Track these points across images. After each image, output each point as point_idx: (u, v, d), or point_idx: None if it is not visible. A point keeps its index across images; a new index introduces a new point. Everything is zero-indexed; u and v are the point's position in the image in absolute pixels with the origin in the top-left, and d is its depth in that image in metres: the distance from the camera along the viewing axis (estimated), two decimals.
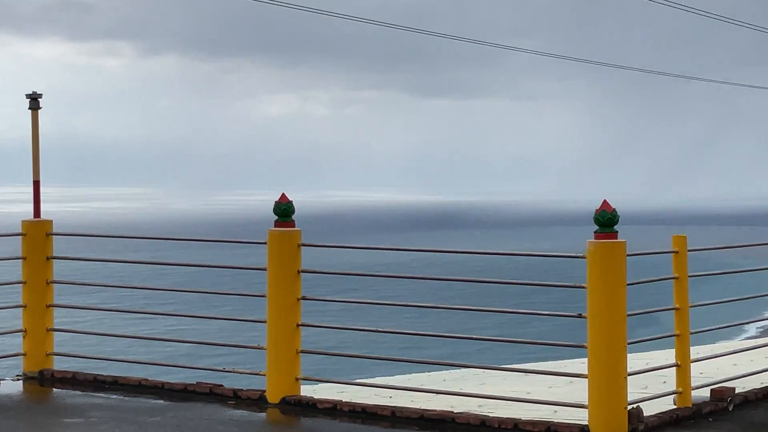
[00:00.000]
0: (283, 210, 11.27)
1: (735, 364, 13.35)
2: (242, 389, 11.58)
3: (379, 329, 11.65)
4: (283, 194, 11.34)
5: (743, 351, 12.80)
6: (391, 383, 12.43)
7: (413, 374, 15.11)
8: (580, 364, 12.65)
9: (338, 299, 12.00)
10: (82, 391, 11.97)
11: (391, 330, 11.74)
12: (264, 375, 11.28)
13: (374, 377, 14.66)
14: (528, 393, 12.09)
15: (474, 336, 11.13)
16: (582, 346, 9.78)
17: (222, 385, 11.72)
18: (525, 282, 10.80)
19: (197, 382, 11.90)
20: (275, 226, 11.27)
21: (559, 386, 12.80)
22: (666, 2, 53.72)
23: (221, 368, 12.30)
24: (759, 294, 12.58)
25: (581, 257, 9.74)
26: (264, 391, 11.31)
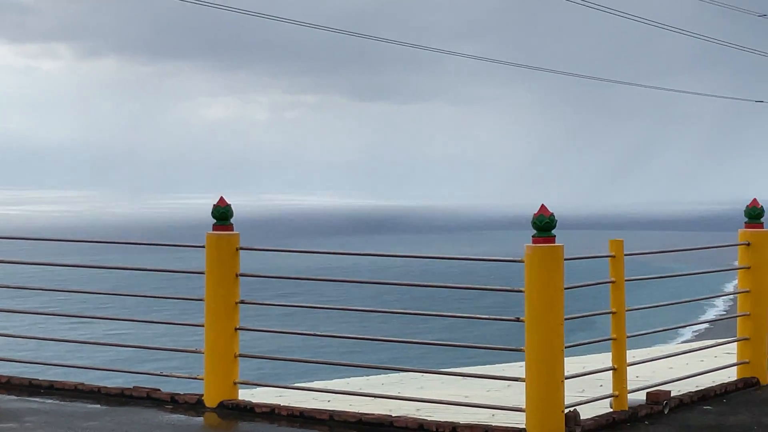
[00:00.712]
0: (221, 213, 11.21)
1: (671, 368, 13.45)
2: (180, 393, 11.49)
3: (317, 333, 11.61)
4: (221, 197, 11.28)
5: (679, 354, 12.89)
6: (329, 387, 12.38)
7: (352, 378, 15.07)
8: (519, 368, 12.69)
9: (277, 303, 11.95)
10: (17, 396, 11.82)
11: (331, 334, 11.73)
12: (202, 379, 11.21)
13: (313, 381, 14.62)
14: (466, 397, 12.10)
15: (413, 340, 11.13)
16: (520, 350, 9.80)
17: (159, 390, 11.62)
18: (463, 286, 10.81)
19: (134, 387, 11.80)
20: (213, 230, 11.21)
21: (498, 390, 12.82)
22: (605, 9, 54.16)
23: (159, 372, 12.20)
24: (695, 298, 12.69)
25: (519, 261, 9.77)
26: (202, 395, 11.24)
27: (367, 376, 15.59)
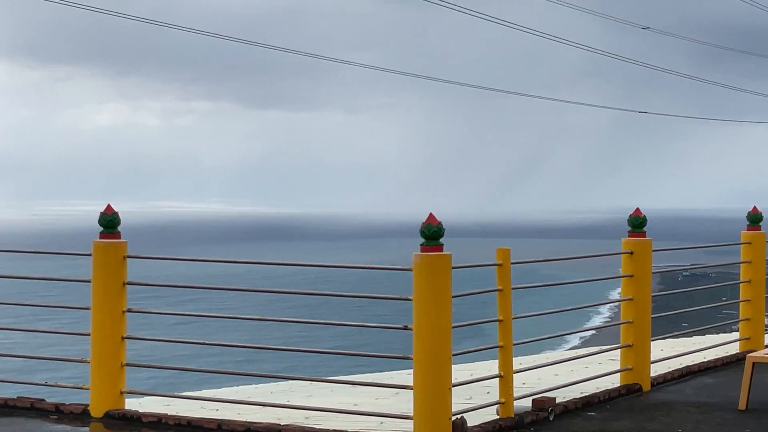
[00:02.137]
0: (108, 221, 11.07)
1: (556, 375, 13.61)
2: (65, 404, 11.31)
3: (207, 342, 11.53)
4: (108, 205, 11.14)
5: (564, 361, 13.05)
6: (218, 396, 12.30)
7: (241, 386, 14.98)
8: (407, 376, 12.73)
9: (165, 312, 11.85)
10: None
11: (220, 343, 11.63)
12: (87, 389, 11.05)
13: (202, 390, 14.49)
14: (355, 405, 12.10)
15: (301, 348, 11.06)
16: (408, 358, 9.83)
17: (44, 400, 11.43)
18: (353, 294, 10.81)
19: (18, 397, 11.59)
20: (100, 238, 11.07)
21: (386, 398, 12.85)
22: (497, 21, 54.65)
23: (43, 382, 12.00)
24: (580, 306, 12.83)
25: (408, 270, 9.79)
26: (87, 405, 11.08)
27: (256, 384, 15.52)
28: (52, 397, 11.72)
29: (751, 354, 12.03)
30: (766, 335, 15.40)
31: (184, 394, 11.97)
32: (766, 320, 15.39)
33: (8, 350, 14.63)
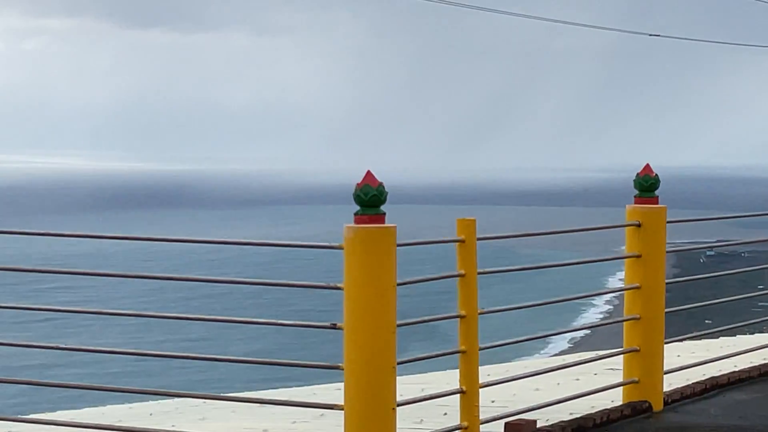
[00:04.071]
0: None
1: (537, 389, 13.69)
2: None
3: (64, 346, 11.42)
4: None
5: (547, 372, 13.10)
6: (79, 419, 12.27)
7: (109, 406, 14.99)
8: (336, 391, 12.74)
9: (8, 305, 11.77)
10: None
11: (82, 347, 11.55)
12: None
13: (57, 411, 14.46)
14: (265, 431, 12.11)
15: (195, 355, 11.03)
16: (337, 368, 9.82)
17: None
18: (257, 281, 10.74)
19: None
20: None
21: (307, 421, 12.87)
22: None
23: None
24: (569, 297, 12.85)
25: (337, 248, 9.78)
26: None
27: (131, 403, 15.50)
28: None
29: None
30: None
31: (33, 417, 11.93)
32: None
33: None
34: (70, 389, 11.78)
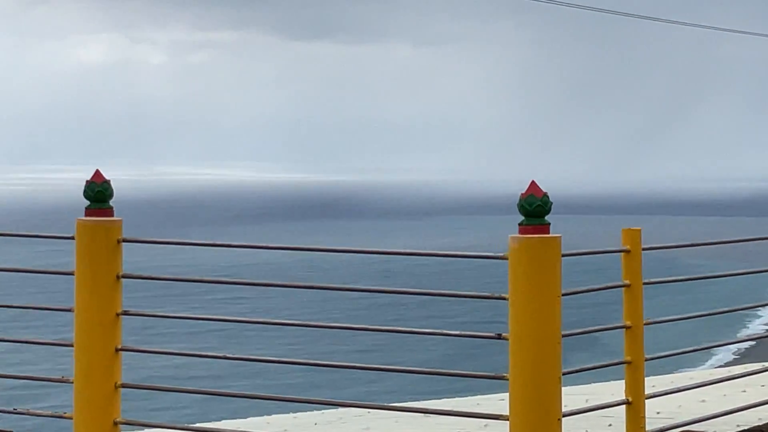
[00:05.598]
0: (98, 193, 11.12)
1: (703, 401, 13.55)
2: None
3: (227, 355, 11.54)
4: (97, 171, 11.19)
5: (714, 383, 12.95)
6: (241, 428, 12.37)
7: (274, 415, 15.09)
8: (500, 402, 12.70)
9: (173, 315, 11.92)
10: None
11: (244, 357, 11.64)
12: (70, 417, 11.11)
13: (222, 420, 14.60)
14: None
15: (359, 365, 11.07)
16: (502, 378, 9.80)
17: None
18: (420, 291, 10.75)
19: None
20: (86, 215, 11.12)
21: (470, 431, 12.86)
22: None
23: (11, 409, 12.10)
24: (734, 308, 12.69)
25: (502, 258, 9.75)
26: None
27: (296, 413, 15.61)
28: (25, 427, 11.83)
29: None
30: None
31: (199, 426, 12.04)
32: None
33: None
34: (237, 398, 11.88)
